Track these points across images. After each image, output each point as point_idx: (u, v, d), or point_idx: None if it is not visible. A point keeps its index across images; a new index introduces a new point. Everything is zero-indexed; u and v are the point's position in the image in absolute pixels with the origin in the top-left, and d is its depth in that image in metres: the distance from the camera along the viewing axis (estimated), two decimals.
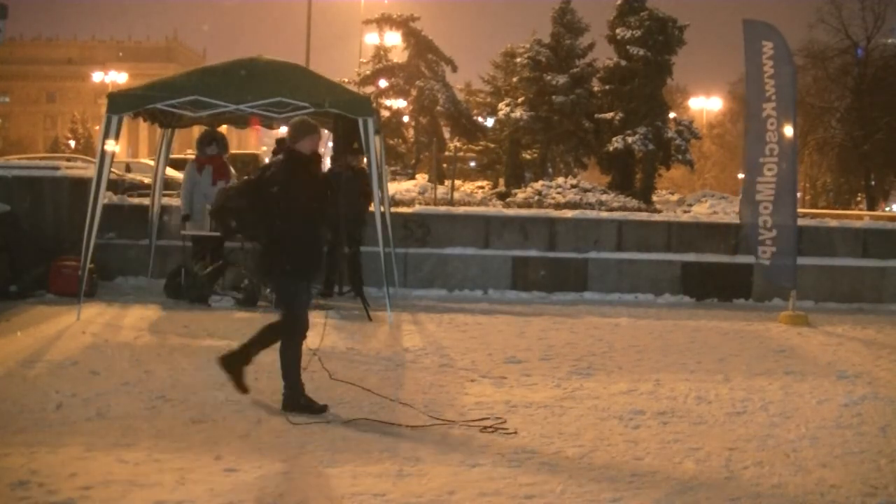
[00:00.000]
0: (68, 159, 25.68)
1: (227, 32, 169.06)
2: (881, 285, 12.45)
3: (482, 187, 41.38)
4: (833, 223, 13.40)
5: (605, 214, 13.91)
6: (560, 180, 32.55)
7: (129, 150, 71.07)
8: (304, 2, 35.85)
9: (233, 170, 11.75)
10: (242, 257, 10.63)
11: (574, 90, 36.99)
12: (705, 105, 60.03)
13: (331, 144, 11.10)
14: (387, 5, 45.68)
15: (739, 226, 11.86)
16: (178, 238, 10.94)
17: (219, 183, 10.74)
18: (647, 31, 35.42)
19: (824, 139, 42.33)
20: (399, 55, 44.76)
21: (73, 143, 73.80)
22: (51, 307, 9.49)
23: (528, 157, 42.05)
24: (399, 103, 43.97)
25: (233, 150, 21.75)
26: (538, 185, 31.97)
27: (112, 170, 10.48)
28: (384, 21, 43.87)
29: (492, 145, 45.17)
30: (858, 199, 45.27)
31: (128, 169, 24.34)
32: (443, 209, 14.36)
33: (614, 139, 35.24)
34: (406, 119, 44.78)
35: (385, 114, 41.08)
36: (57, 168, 11.72)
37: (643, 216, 14.96)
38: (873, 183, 43.04)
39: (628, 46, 35.71)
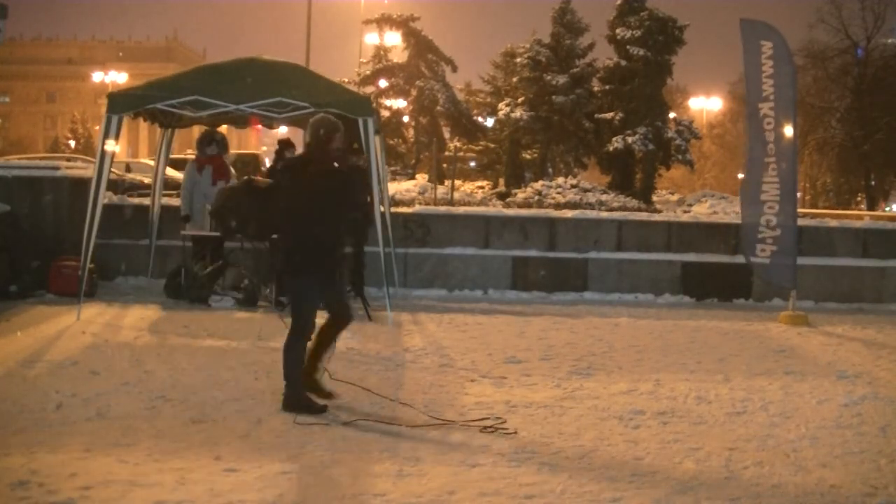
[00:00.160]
0: (68, 159, 25.67)
1: (227, 32, 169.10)
2: (881, 285, 12.45)
3: (482, 187, 41.40)
4: (833, 223, 13.40)
5: (605, 214, 13.92)
6: (560, 180, 32.57)
7: (129, 150, 71.06)
8: (304, 2, 35.86)
9: (233, 170, 11.75)
10: (242, 257, 10.63)
11: (574, 90, 37.00)
12: (705, 105, 60.03)
13: None
14: (387, 5, 45.73)
15: (740, 226, 11.86)
16: (178, 238, 10.94)
17: (219, 183, 10.74)
18: (647, 31, 35.43)
19: (824, 139, 42.33)
20: (399, 55, 44.78)
21: (73, 143, 73.79)
22: (51, 307, 9.49)
23: (528, 157, 42.07)
24: (399, 103, 43.98)
25: (233, 150, 21.74)
26: (538, 185, 31.99)
27: (112, 170, 10.48)
28: (384, 21, 43.88)
29: (492, 145, 45.19)
30: (858, 199, 45.27)
31: (128, 169, 24.34)
32: (443, 209, 14.36)
33: (614, 139, 35.25)
34: (406, 119, 44.78)
35: (385, 114, 41.08)
36: (57, 168, 11.71)
37: (643, 216, 14.97)
38: (873, 183, 43.05)
39: (628, 46, 35.72)
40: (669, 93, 44.39)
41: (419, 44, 43.78)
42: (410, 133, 45.43)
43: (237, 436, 5.27)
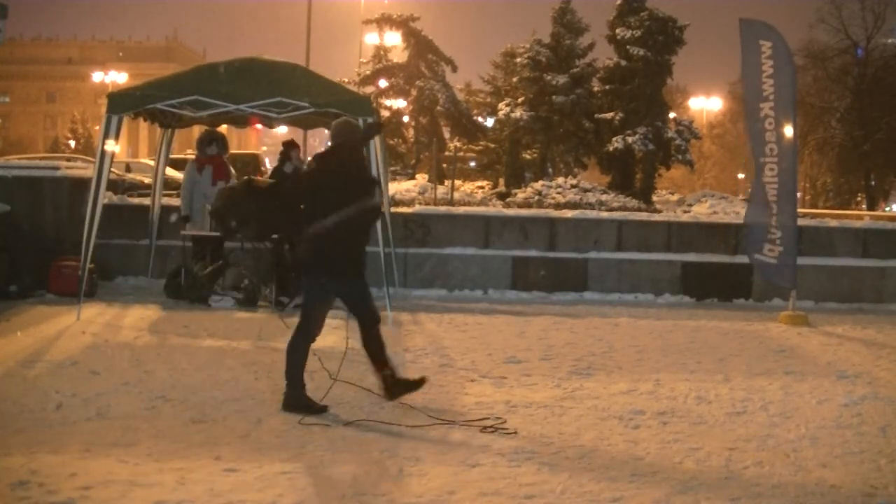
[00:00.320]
0: (68, 159, 25.67)
1: (227, 32, 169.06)
2: (881, 285, 12.45)
3: (482, 187, 41.40)
4: (833, 223, 13.40)
5: (605, 214, 13.91)
6: (560, 180, 32.55)
7: (129, 150, 71.06)
8: (304, 2, 35.86)
9: (233, 170, 11.75)
10: (242, 257, 10.63)
11: (574, 90, 36.99)
12: (705, 105, 60.05)
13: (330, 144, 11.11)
14: (387, 5, 45.74)
15: (740, 226, 11.87)
16: (178, 238, 10.94)
17: (219, 183, 10.74)
18: (647, 31, 35.41)
19: (824, 139, 42.33)
20: (399, 55, 44.77)
21: (73, 143, 73.78)
22: (51, 307, 9.49)
23: (528, 157, 42.05)
24: (399, 103, 43.98)
25: (233, 150, 21.73)
26: (538, 185, 31.97)
27: (112, 170, 10.48)
28: (384, 21, 43.88)
29: (492, 145, 45.19)
30: (858, 199, 45.27)
31: (128, 169, 24.35)
32: (443, 209, 14.36)
33: (614, 139, 35.24)
34: (406, 119, 44.78)
35: (385, 114, 41.09)
36: (57, 168, 11.71)
37: (643, 216, 14.97)
38: (873, 183, 43.04)
39: (628, 46, 35.70)
40: (669, 93, 44.39)
41: (419, 44, 43.77)
42: (410, 133, 45.42)
43: (237, 436, 5.27)
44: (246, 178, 11.39)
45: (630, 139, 34.75)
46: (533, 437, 5.43)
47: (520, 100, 38.43)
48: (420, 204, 24.12)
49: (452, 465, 4.88)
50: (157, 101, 9.58)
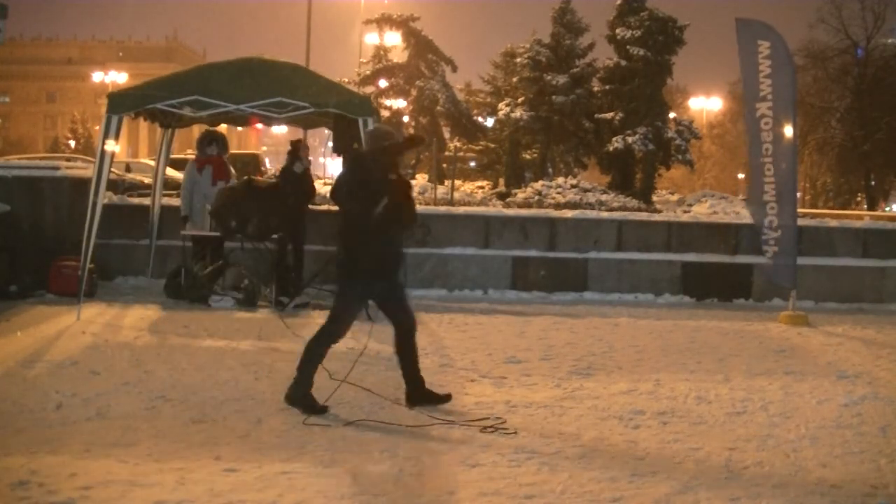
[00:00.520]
0: (68, 159, 25.69)
1: (227, 32, 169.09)
2: (881, 285, 12.45)
3: (482, 187, 41.42)
4: (833, 223, 13.40)
5: (605, 214, 13.91)
6: (560, 180, 32.55)
7: (129, 150, 71.08)
8: (304, 2, 35.88)
9: (233, 170, 11.76)
10: (242, 257, 10.64)
11: (574, 90, 37.00)
12: (705, 105, 60.05)
13: (330, 144, 11.11)
14: (387, 5, 45.77)
15: (740, 226, 11.86)
16: (179, 238, 10.95)
17: (219, 183, 10.76)
18: (647, 31, 35.42)
19: (824, 139, 42.33)
20: (399, 55, 44.80)
21: (73, 143, 73.78)
22: (51, 307, 9.49)
23: (528, 157, 42.07)
24: (399, 103, 43.99)
25: (233, 150, 21.74)
26: (538, 185, 31.97)
27: (112, 170, 10.48)
28: (384, 21, 43.90)
29: (492, 145, 45.21)
30: (858, 199, 45.27)
31: (128, 169, 24.36)
32: (443, 209, 14.36)
33: (614, 139, 35.24)
34: (406, 119, 44.77)
35: (385, 114, 41.08)
36: (57, 168, 11.71)
37: (643, 216, 14.97)
38: (873, 183, 43.04)
39: (628, 46, 35.71)
40: (669, 93, 44.38)
41: (419, 44, 43.79)
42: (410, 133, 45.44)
43: (237, 436, 5.27)
44: (246, 178, 11.43)
45: (630, 139, 34.76)
46: (533, 437, 5.42)
47: (520, 100, 38.44)
48: (420, 204, 24.10)
49: (452, 465, 4.88)
50: (157, 101, 9.58)
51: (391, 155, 5.92)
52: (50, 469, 4.54)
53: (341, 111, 9.74)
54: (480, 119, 46.43)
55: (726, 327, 9.90)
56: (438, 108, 42.63)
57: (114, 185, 16.22)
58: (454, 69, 44.65)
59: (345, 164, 11.24)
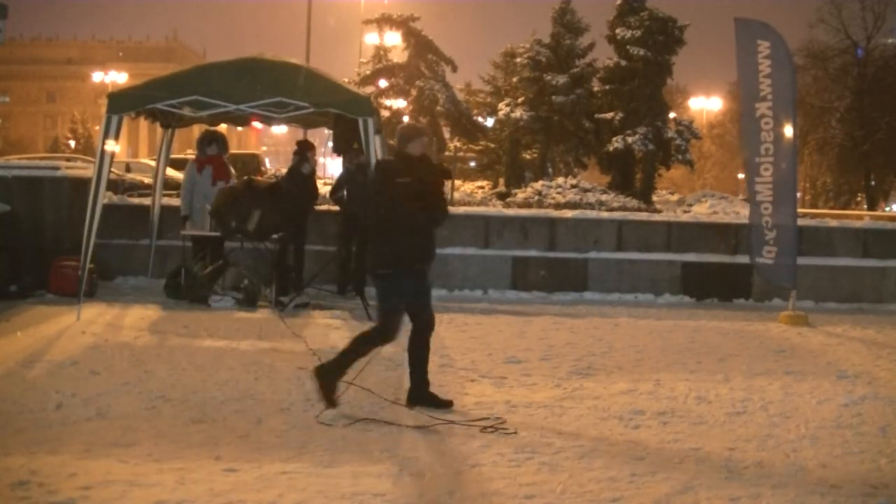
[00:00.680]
0: (68, 159, 25.72)
1: (227, 32, 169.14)
2: (881, 285, 12.46)
3: (482, 187, 41.39)
4: (833, 223, 13.41)
5: (605, 214, 13.92)
6: (560, 180, 32.54)
7: (129, 150, 71.07)
8: (304, 2, 35.87)
9: (233, 170, 11.76)
10: (242, 257, 10.64)
11: (574, 90, 36.99)
12: (705, 105, 60.06)
13: (330, 144, 11.13)
14: (387, 5, 45.74)
15: (740, 226, 11.86)
16: (179, 238, 10.95)
17: (218, 183, 10.76)
18: (647, 31, 35.41)
19: (824, 139, 42.34)
20: (399, 55, 44.76)
21: (73, 143, 73.78)
22: (51, 307, 9.49)
23: (528, 157, 42.05)
24: (399, 103, 43.97)
25: (233, 150, 21.76)
26: (538, 185, 31.96)
27: (112, 170, 10.48)
28: (384, 21, 43.87)
29: (492, 145, 45.18)
30: (858, 199, 45.28)
31: (128, 169, 24.38)
32: None
33: (614, 139, 35.24)
34: (406, 119, 44.75)
35: (385, 114, 41.06)
36: (57, 168, 11.71)
37: (643, 216, 14.97)
38: (873, 183, 43.05)
39: (628, 46, 35.70)
40: (669, 93, 44.38)
41: (419, 44, 43.77)
42: None
43: (237, 436, 5.27)
44: (246, 178, 11.43)
45: (630, 139, 34.76)
46: (533, 437, 5.42)
47: (520, 100, 38.44)
48: None
49: (452, 465, 4.88)
50: (157, 102, 9.58)
51: (417, 163, 5.95)
52: (50, 469, 4.54)
53: (341, 111, 9.74)
54: (480, 119, 46.40)
55: (726, 327, 9.90)
56: (438, 108, 42.62)
57: (114, 185, 16.23)
58: (454, 69, 44.64)
59: (345, 163, 11.27)
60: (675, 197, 41.93)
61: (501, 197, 34.10)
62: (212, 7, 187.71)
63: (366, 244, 10.73)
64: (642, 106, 35.36)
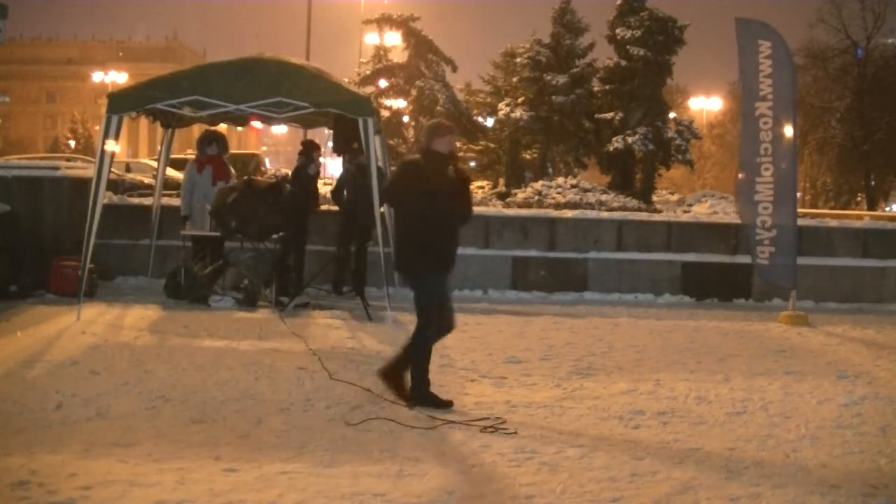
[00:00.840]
0: (68, 159, 25.72)
1: (227, 32, 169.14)
2: (881, 285, 12.46)
3: (482, 187, 41.37)
4: (833, 223, 13.41)
5: (605, 214, 13.92)
6: (560, 180, 32.51)
7: (129, 150, 71.08)
8: (304, 2, 35.86)
9: (233, 170, 11.76)
10: (242, 257, 10.63)
11: (574, 90, 36.97)
12: (705, 105, 60.01)
13: (330, 144, 11.13)
14: (387, 5, 45.72)
15: (740, 226, 11.85)
16: (179, 238, 10.95)
17: (219, 183, 10.76)
18: (647, 31, 35.39)
19: (824, 139, 42.31)
20: (399, 55, 44.75)
21: (73, 143, 73.78)
22: (51, 307, 9.49)
23: (528, 157, 42.04)
24: (399, 103, 43.96)
25: (233, 150, 21.76)
26: (538, 185, 31.93)
27: (112, 170, 10.48)
28: (384, 21, 43.86)
29: (492, 145, 45.17)
30: (859, 199, 45.28)
31: (128, 169, 24.38)
32: None
33: (614, 139, 35.23)
34: (406, 119, 44.77)
35: (385, 114, 41.06)
36: (57, 168, 11.71)
37: (643, 216, 14.98)
38: (873, 183, 43.03)
39: (628, 46, 35.68)
40: (669, 93, 44.36)
41: (419, 44, 43.75)
42: (410, 133, 45.39)
43: (237, 436, 5.27)
44: (246, 178, 11.43)
45: (630, 139, 34.75)
46: (533, 437, 5.42)
47: (520, 100, 38.42)
48: None
49: (452, 465, 4.88)
50: (158, 102, 9.58)
51: (446, 164, 5.95)
52: (50, 469, 4.54)
53: (341, 111, 9.74)
54: (480, 119, 46.38)
55: (726, 327, 9.90)
56: (438, 108, 42.58)
57: (114, 186, 16.22)
58: (454, 69, 44.61)
59: (344, 163, 11.26)
60: (675, 197, 41.89)
61: (501, 197, 34.08)
62: (212, 7, 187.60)
63: (365, 244, 10.79)
64: (642, 106, 35.35)
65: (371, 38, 45.40)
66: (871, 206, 41.70)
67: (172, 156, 15.35)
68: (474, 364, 7.46)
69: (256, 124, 13.20)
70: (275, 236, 10.36)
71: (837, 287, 12.32)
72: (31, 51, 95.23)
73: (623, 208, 27.63)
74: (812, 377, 7.35)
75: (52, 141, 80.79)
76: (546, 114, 37.27)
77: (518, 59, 39.61)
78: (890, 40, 42.30)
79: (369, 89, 41.87)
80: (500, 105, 40.14)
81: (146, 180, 21.26)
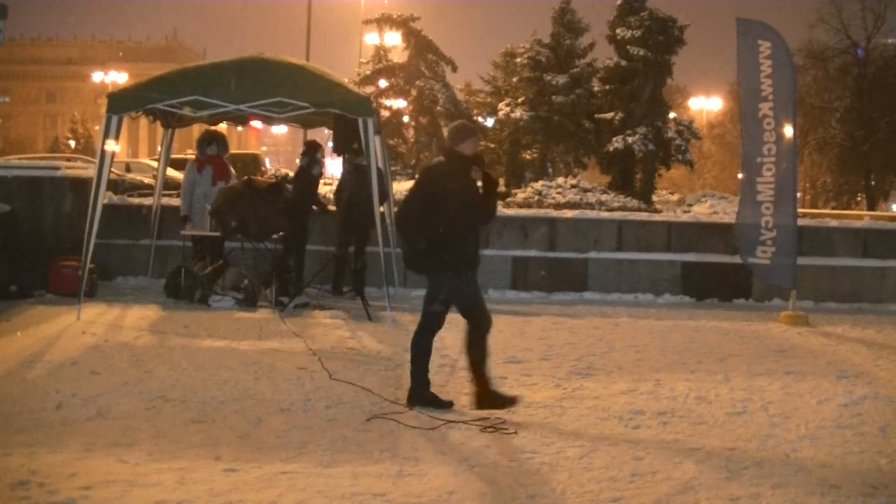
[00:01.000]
0: (68, 159, 25.73)
1: (227, 32, 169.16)
2: (881, 285, 12.45)
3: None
4: (833, 223, 13.40)
5: (605, 214, 13.91)
6: (560, 180, 32.51)
7: (129, 150, 71.12)
8: (304, 2, 35.85)
9: (233, 170, 11.76)
10: (242, 257, 10.64)
11: (574, 90, 36.99)
12: (705, 105, 59.99)
13: (330, 144, 11.12)
14: (387, 5, 45.73)
15: (736, 226, 11.81)
16: (179, 238, 10.95)
17: (219, 183, 10.76)
18: (647, 31, 35.38)
19: (824, 139, 42.31)
20: (399, 55, 44.80)
21: (73, 143, 73.79)
22: (51, 307, 9.49)
23: (528, 157, 42.06)
24: (399, 103, 43.99)
25: (233, 150, 21.75)
26: (538, 185, 31.93)
27: (112, 170, 10.48)
28: (384, 21, 43.89)
29: (492, 145, 45.17)
30: (859, 199, 45.28)
31: (128, 169, 24.38)
32: None
33: (614, 139, 35.23)
34: (406, 119, 44.78)
35: (385, 114, 41.08)
36: (57, 168, 11.71)
37: (643, 216, 14.96)
38: (873, 183, 43.04)
39: (628, 46, 35.68)
40: (669, 93, 44.35)
41: (419, 44, 43.79)
42: (410, 133, 45.42)
43: (237, 436, 5.27)
44: (246, 178, 11.43)
45: (630, 139, 34.75)
46: (533, 437, 5.43)
47: (520, 100, 38.43)
48: None
49: (452, 465, 4.88)
50: (157, 102, 9.58)
51: (469, 164, 5.95)
52: (50, 469, 4.54)
53: (341, 111, 9.74)
54: (480, 119, 46.39)
55: (726, 327, 9.90)
56: (438, 108, 42.62)
57: (114, 186, 16.23)
58: (454, 69, 44.66)
59: (344, 164, 11.26)
60: (675, 197, 41.89)
61: (501, 197, 34.08)
62: (212, 7, 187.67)
63: (365, 244, 10.79)
64: (642, 106, 35.35)
65: (371, 38, 45.45)
66: (871, 206, 41.71)
67: (172, 156, 15.35)
68: None
69: (256, 124, 13.18)
70: (275, 236, 10.36)
71: (837, 287, 12.32)
72: (31, 51, 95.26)
73: (623, 208, 27.62)
74: (812, 377, 7.35)
75: (52, 141, 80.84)
76: (546, 114, 37.28)
77: (518, 59, 39.62)
78: (890, 40, 42.32)
79: (369, 89, 41.91)
80: (500, 105, 40.16)
81: (146, 180, 21.28)
